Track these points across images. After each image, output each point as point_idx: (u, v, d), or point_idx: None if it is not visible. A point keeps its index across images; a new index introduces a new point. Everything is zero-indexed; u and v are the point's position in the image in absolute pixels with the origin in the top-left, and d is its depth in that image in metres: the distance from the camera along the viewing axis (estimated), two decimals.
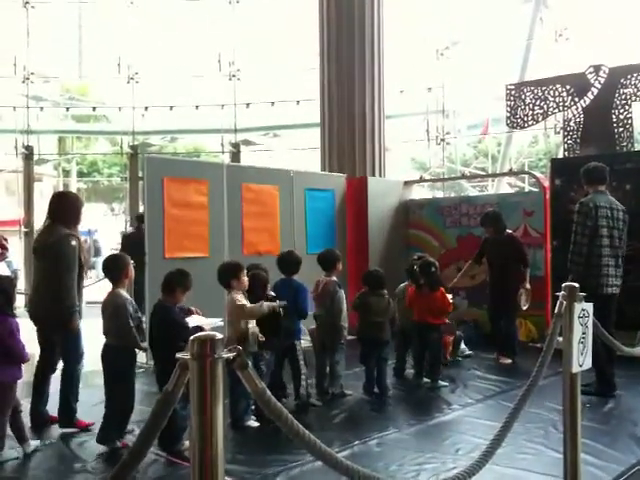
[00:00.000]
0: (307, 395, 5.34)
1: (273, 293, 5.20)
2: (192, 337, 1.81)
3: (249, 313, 4.80)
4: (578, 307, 3.10)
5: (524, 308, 7.02)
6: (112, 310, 4.35)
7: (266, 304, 4.84)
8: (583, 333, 3.12)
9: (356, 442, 4.38)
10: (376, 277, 5.95)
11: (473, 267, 7.61)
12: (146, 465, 3.94)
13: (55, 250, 4.69)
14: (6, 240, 7.15)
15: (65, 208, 4.92)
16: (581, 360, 3.09)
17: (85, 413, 4.83)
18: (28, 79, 15.94)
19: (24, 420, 4.35)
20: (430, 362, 6.13)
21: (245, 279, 4.93)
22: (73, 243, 4.73)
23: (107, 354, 4.40)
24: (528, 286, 6.99)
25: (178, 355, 1.84)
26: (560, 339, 3.15)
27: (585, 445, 3.55)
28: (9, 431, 4.19)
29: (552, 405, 4.94)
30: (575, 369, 3.06)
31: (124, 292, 4.46)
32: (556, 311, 3.16)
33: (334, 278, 5.82)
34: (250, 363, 1.95)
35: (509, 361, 6.90)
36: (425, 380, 6.16)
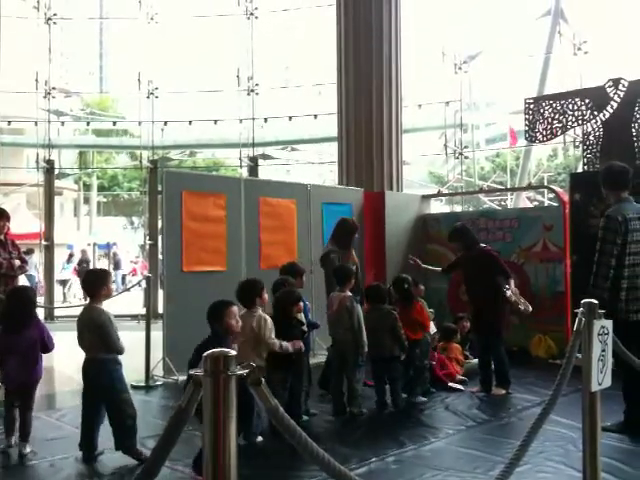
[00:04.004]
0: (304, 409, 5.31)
1: (303, 319, 5.20)
2: (205, 354, 1.81)
3: (266, 346, 4.67)
4: (597, 324, 3.05)
5: (524, 309, 6.30)
6: (94, 324, 4.30)
7: (285, 345, 4.72)
8: (603, 351, 3.07)
9: (373, 459, 4.34)
10: (376, 291, 5.90)
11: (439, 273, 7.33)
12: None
13: (322, 261, 6.40)
14: (27, 253, 7.23)
15: (337, 231, 6.55)
16: (600, 378, 3.04)
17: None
18: (49, 94, 16.19)
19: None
20: (413, 377, 5.95)
21: (266, 296, 4.94)
22: (332, 256, 6.26)
23: (93, 368, 4.34)
24: (514, 288, 6.24)
25: (191, 372, 1.84)
26: (579, 356, 3.11)
27: (605, 464, 3.48)
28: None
29: (571, 423, 4.86)
30: (594, 387, 3.02)
31: (102, 306, 4.44)
32: (575, 328, 3.11)
33: (348, 293, 5.66)
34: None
35: (503, 392, 6.16)
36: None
